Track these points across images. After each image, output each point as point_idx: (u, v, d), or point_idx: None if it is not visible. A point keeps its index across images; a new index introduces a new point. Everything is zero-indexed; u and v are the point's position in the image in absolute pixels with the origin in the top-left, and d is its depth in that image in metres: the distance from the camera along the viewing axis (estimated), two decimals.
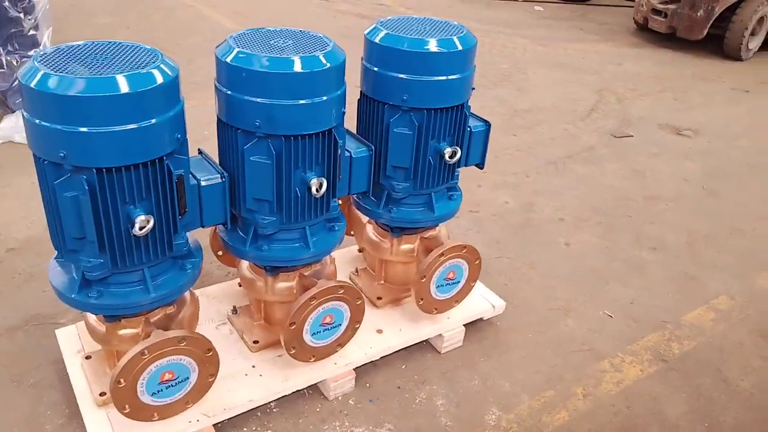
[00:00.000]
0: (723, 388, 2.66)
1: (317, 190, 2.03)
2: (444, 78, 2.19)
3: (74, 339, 2.42)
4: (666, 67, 7.16)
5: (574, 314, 3.02)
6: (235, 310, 2.56)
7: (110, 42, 1.80)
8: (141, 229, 1.75)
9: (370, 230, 2.69)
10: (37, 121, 1.64)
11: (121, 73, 1.64)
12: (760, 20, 7.44)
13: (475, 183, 4.05)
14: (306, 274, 2.35)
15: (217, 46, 2.01)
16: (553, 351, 2.78)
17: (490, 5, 9.50)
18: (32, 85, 1.60)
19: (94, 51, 1.75)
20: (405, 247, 2.62)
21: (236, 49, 1.92)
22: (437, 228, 2.69)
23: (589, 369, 2.70)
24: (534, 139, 4.87)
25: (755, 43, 7.63)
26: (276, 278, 2.31)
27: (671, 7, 7.52)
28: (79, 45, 1.77)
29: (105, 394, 2.15)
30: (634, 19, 8.38)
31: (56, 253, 2.03)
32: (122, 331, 2.07)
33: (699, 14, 7.30)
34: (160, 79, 1.69)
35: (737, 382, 2.69)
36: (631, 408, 2.52)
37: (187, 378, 2.02)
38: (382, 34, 2.21)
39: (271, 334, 2.45)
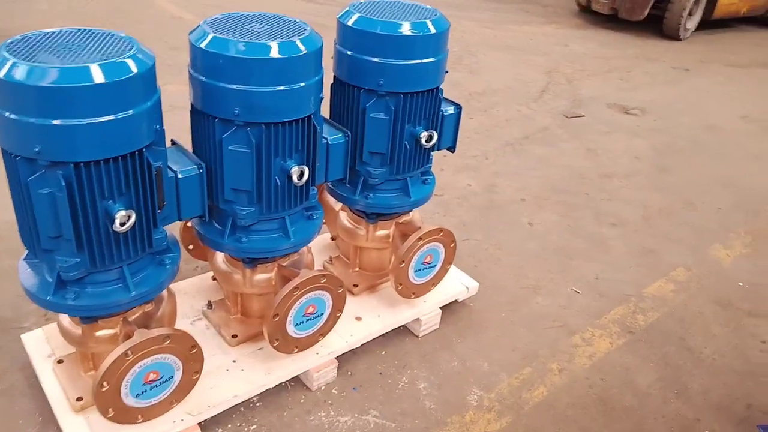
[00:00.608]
0: (687, 356, 2.77)
1: (298, 178, 1.99)
2: (419, 61, 2.18)
3: (42, 343, 2.31)
4: (610, 48, 7.36)
5: (543, 292, 3.09)
6: (210, 305, 2.50)
7: (81, 29, 1.72)
8: (122, 225, 1.69)
9: (344, 217, 2.67)
10: (7, 114, 1.54)
11: (97, 61, 1.56)
12: (697, 1, 7.72)
13: (437, 167, 4.06)
14: (284, 264, 2.31)
15: (190, 32, 1.94)
16: (526, 329, 2.84)
17: None
18: (1, 75, 1.51)
19: (65, 39, 1.67)
20: (380, 233, 2.61)
21: (211, 34, 1.85)
22: (411, 213, 2.69)
23: (562, 344, 2.77)
24: (490, 121, 4.93)
25: (692, 24, 7.93)
26: (254, 270, 2.27)
27: None
28: (48, 33, 1.68)
29: (82, 398, 2.07)
30: (577, 1, 8.56)
31: (25, 252, 1.95)
32: (99, 333, 1.99)
33: None
34: (137, 69, 1.62)
35: (700, 349, 2.82)
36: (605, 379, 2.61)
37: (172, 377, 1.97)
38: (355, 17, 2.18)
39: (250, 328, 2.41)
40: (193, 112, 2.01)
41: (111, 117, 1.59)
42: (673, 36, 7.83)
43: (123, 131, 1.64)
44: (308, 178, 2.03)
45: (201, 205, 1.99)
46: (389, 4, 2.30)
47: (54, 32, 1.69)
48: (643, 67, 6.81)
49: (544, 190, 4.02)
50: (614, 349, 2.77)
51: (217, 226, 2.15)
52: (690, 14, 7.76)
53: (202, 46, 1.85)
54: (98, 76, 1.54)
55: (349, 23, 2.19)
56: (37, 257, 1.80)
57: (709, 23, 8.20)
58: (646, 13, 7.65)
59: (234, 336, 2.37)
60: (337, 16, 2.25)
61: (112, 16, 6.56)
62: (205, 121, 1.95)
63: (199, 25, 1.93)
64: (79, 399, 2.07)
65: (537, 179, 4.16)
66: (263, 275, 2.30)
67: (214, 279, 2.60)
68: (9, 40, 1.63)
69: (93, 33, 1.71)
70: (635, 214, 3.87)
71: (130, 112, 1.63)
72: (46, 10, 6.59)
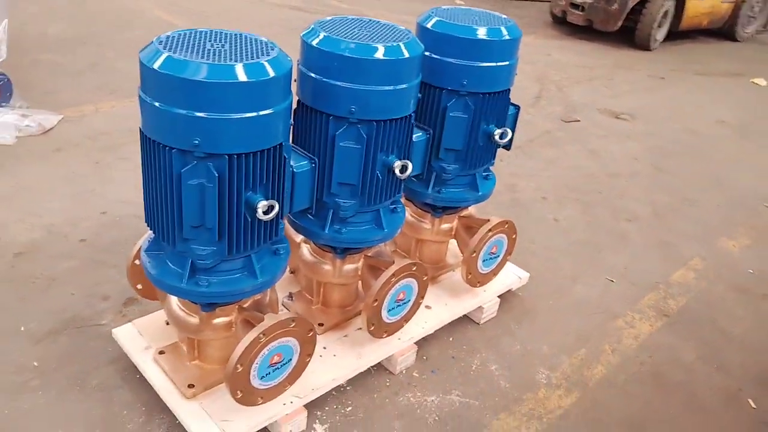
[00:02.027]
0: (720, 336, 3.03)
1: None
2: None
3: (136, 337, 2.37)
4: (589, 57, 7.74)
5: (581, 281, 3.30)
6: (290, 296, 2.61)
7: (222, 31, 1.82)
8: (265, 213, 1.79)
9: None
10: (169, 108, 1.64)
11: (252, 60, 1.67)
12: (665, 14, 8.20)
13: None
14: (370, 255, 2.45)
15: (304, 33, 2.05)
16: (573, 314, 3.04)
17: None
18: (168, 71, 1.61)
19: (213, 38, 1.77)
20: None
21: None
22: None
23: (608, 328, 2.98)
24: None
25: (661, 35, 8.41)
26: (344, 261, 2.40)
27: (588, 0, 8.11)
28: (195, 31, 1.79)
29: (193, 385, 2.15)
30: (551, 12, 8.95)
31: (146, 244, 2.03)
32: (217, 320, 2.09)
33: (614, 7, 7.94)
34: (283, 69, 1.74)
35: (730, 330, 3.08)
36: (653, 357, 2.83)
37: (290, 359, 2.08)
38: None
39: (332, 317, 2.53)
40: (301, 109, 2.10)
41: (263, 112, 1.70)
42: (644, 46, 8.29)
43: (268, 127, 1.75)
44: (409, 172, 2.17)
45: (310, 198, 2.10)
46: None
47: (198, 31, 1.80)
48: (622, 75, 7.19)
49: (560, 189, 4.26)
50: (655, 331, 3.00)
51: (316, 219, 2.26)
52: (659, 26, 8.23)
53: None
54: (258, 74, 1.66)
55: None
56: (176, 246, 1.86)
57: (675, 34, 8.70)
58: (619, 24, 8.08)
59: (321, 324, 2.48)
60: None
61: (105, 21, 6.52)
62: (317, 118, 2.07)
63: (312, 26, 2.05)
64: (191, 386, 2.15)
65: (551, 179, 4.39)
66: (351, 266, 2.43)
67: (292, 272, 2.70)
68: (164, 37, 1.72)
69: (238, 35, 1.82)
70: (646, 210, 4.14)
71: (276, 108, 1.74)
72: (36, 13, 6.51)
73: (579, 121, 5.58)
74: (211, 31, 1.84)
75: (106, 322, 2.61)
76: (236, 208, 1.80)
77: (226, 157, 1.71)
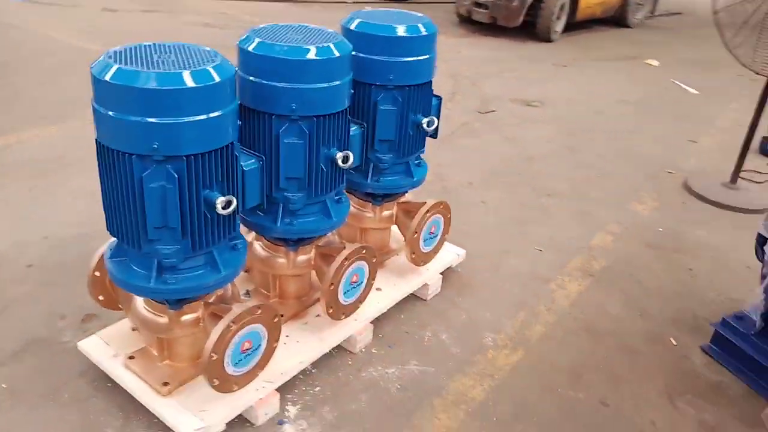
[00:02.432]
0: (639, 287, 3.37)
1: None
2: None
3: (103, 347, 2.44)
4: (496, 52, 8.17)
5: (513, 254, 3.58)
6: (247, 293, 2.74)
7: (165, 43, 1.96)
8: (224, 208, 1.93)
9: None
10: (126, 116, 1.76)
11: (201, 67, 1.82)
12: (562, 7, 8.76)
13: None
14: (320, 244, 2.62)
15: (240, 41, 2.21)
16: (509, 283, 3.31)
17: (326, 8, 9.99)
18: (123, 83, 1.73)
19: (158, 50, 1.90)
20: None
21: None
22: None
23: (542, 291, 3.27)
24: None
25: (559, 27, 8.98)
26: (297, 252, 2.55)
27: None
28: (141, 45, 1.91)
29: (168, 383, 2.25)
30: (457, 12, 9.37)
31: (109, 252, 2.13)
32: (185, 317, 2.21)
33: (515, 4, 8.43)
34: (228, 73, 1.90)
35: (648, 282, 3.43)
36: (584, 312, 3.13)
37: (260, 345, 2.22)
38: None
39: (290, 308, 2.68)
40: (244, 112, 2.23)
41: (212, 114, 1.85)
42: (545, 38, 8.82)
43: (220, 127, 1.90)
44: (351, 162, 2.36)
45: (260, 194, 2.25)
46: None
47: (144, 45, 1.93)
48: (528, 66, 7.65)
49: (484, 174, 4.56)
50: (583, 290, 3.31)
51: (267, 215, 2.41)
52: (558, 18, 8.78)
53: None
54: (212, 77, 1.81)
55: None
56: (137, 249, 1.97)
57: (573, 25, 9.30)
58: (521, 19, 8.58)
59: (280, 316, 2.62)
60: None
61: (27, 50, 6.37)
62: (260, 119, 2.22)
63: (247, 34, 2.22)
64: (165, 384, 2.25)
65: (475, 166, 4.69)
66: (303, 256, 2.59)
67: (246, 271, 2.83)
68: (113, 51, 1.84)
69: (177, 45, 1.96)
70: (563, 186, 4.50)
71: (225, 110, 1.90)
72: None
73: (494, 111, 5.94)
74: (155, 44, 1.97)
75: (68, 339, 2.66)
76: (196, 206, 1.94)
77: (184, 158, 1.85)
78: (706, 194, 4.43)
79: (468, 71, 7.02)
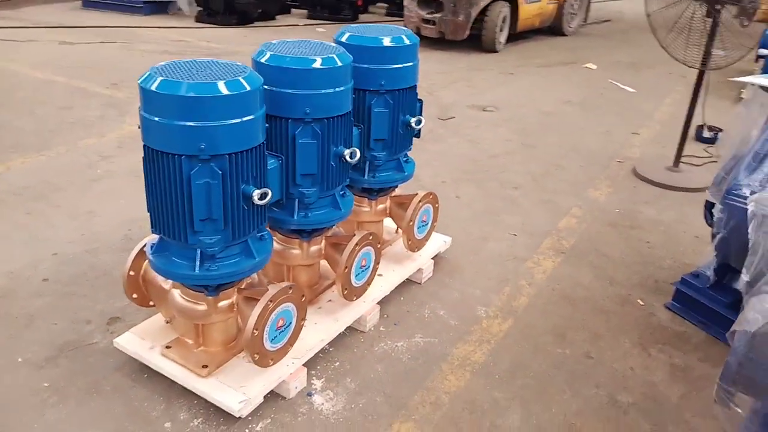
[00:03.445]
0: (605, 260, 3.78)
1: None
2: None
3: (138, 341, 2.66)
4: (447, 64, 8.63)
5: (491, 239, 3.94)
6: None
7: (200, 60, 2.23)
8: (261, 199, 2.21)
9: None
10: (175, 122, 2.03)
11: (233, 78, 2.10)
12: (504, 19, 9.32)
13: None
14: (329, 235, 2.90)
15: (255, 55, 2.50)
16: (492, 264, 3.66)
17: (276, 32, 10.29)
18: (178, 93, 2.00)
19: (195, 66, 2.18)
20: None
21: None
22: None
23: (521, 269, 3.63)
24: None
25: (503, 38, 9.52)
26: (310, 243, 2.83)
27: (438, 15, 9.06)
28: (179, 62, 2.18)
29: (206, 366, 2.49)
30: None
31: (150, 249, 2.36)
32: (221, 303, 2.46)
33: (461, 19, 8.92)
34: (258, 83, 2.19)
35: (611, 253, 3.84)
36: (560, 284, 3.50)
37: (291, 323, 2.49)
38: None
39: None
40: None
41: (251, 117, 2.14)
42: (491, 49, 9.35)
43: (254, 129, 2.19)
44: (358, 157, 2.66)
45: (281, 190, 2.53)
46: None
47: (183, 62, 2.20)
48: (478, 75, 8.13)
49: (454, 173, 4.93)
50: (557, 266, 3.69)
51: (284, 209, 2.68)
52: (500, 30, 9.33)
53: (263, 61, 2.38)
54: (245, 86, 2.10)
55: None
56: (183, 242, 2.22)
57: (514, 36, 9.88)
58: (467, 33, 9.08)
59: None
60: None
61: None
62: (277, 123, 2.51)
63: (262, 49, 2.51)
64: (204, 366, 2.49)
65: (444, 166, 5.06)
66: (315, 247, 2.87)
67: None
68: (158, 67, 2.11)
69: (210, 61, 2.23)
70: (526, 179, 4.91)
71: (258, 113, 2.19)
72: None
73: (454, 117, 6.34)
74: (192, 60, 2.24)
75: (98, 341, 2.85)
76: (236, 200, 2.21)
77: (227, 156, 2.13)
78: (653, 178, 4.91)
79: (424, 82, 7.41)
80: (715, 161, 5.24)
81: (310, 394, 2.61)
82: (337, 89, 2.53)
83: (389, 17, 12.06)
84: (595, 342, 3.03)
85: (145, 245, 2.61)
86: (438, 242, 3.58)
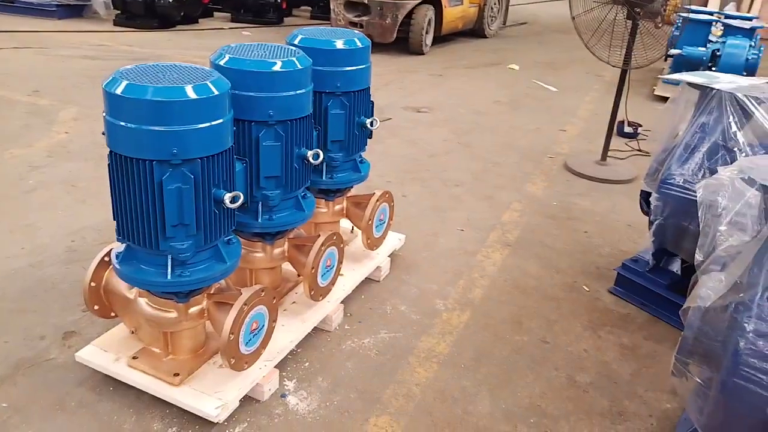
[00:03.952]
0: (549, 250, 3.97)
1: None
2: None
3: (101, 354, 2.58)
4: (377, 67, 8.64)
5: (441, 235, 4.06)
6: None
7: (165, 63, 2.21)
8: (232, 202, 2.21)
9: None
10: (145, 127, 2.00)
11: (201, 82, 2.10)
12: (429, 22, 9.53)
13: None
14: (292, 237, 2.92)
15: (215, 58, 2.49)
16: (444, 259, 3.78)
17: (199, 35, 10.10)
18: (145, 97, 1.98)
19: (161, 70, 2.15)
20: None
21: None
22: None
23: (473, 262, 3.77)
24: None
25: (429, 40, 9.74)
26: (273, 246, 2.84)
27: (365, 18, 9.16)
28: (144, 66, 2.15)
29: (178, 374, 2.45)
30: None
31: (117, 258, 2.31)
32: (192, 309, 2.43)
33: (387, 21, 9.06)
34: (227, 85, 2.19)
35: (553, 244, 4.04)
36: (510, 275, 3.66)
37: (263, 325, 2.49)
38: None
39: None
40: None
41: (220, 120, 2.14)
42: (418, 51, 9.54)
43: (224, 132, 2.19)
44: (321, 159, 2.69)
45: (246, 194, 2.53)
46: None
47: (153, 65, 2.17)
48: (408, 77, 8.29)
49: (398, 173, 5.03)
50: (505, 257, 3.85)
51: (248, 212, 2.68)
52: (426, 32, 9.54)
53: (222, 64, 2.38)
54: (214, 90, 2.10)
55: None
56: (154, 249, 2.18)
57: (439, 38, 10.13)
58: (394, 36, 9.23)
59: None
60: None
61: None
62: (241, 126, 2.51)
63: (221, 52, 2.50)
64: (176, 374, 2.45)
65: (388, 167, 5.14)
66: (278, 249, 2.88)
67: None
68: (123, 70, 2.07)
69: (176, 65, 2.21)
70: (466, 176, 5.07)
71: (227, 117, 2.19)
72: None
73: (391, 119, 6.45)
74: (157, 64, 2.21)
75: (55, 356, 2.75)
76: (208, 204, 2.20)
77: (198, 160, 2.12)
78: (584, 171, 5.19)
79: None
80: (638, 154, 5.61)
81: (283, 396, 2.62)
82: (299, 91, 2.55)
83: (314, 20, 12.08)
84: (550, 327, 3.19)
85: (105, 254, 2.55)
86: (393, 240, 3.66)
